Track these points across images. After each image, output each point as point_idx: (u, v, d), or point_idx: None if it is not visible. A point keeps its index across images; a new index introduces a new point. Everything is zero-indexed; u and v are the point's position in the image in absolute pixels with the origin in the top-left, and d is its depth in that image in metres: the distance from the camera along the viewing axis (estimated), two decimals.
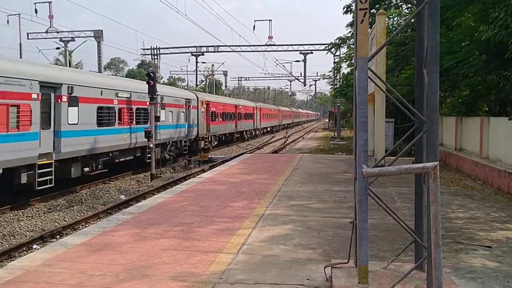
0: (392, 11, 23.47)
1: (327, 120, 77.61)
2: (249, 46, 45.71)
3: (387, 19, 19.77)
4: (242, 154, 27.79)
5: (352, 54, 32.94)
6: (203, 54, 47.89)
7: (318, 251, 7.02)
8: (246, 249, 7.10)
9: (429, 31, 4.79)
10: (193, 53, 47.94)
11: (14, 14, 38.08)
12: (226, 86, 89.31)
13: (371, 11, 19.52)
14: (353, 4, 25.00)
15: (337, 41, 35.29)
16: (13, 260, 8.98)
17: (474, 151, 16.24)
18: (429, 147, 4.82)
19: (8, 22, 40.81)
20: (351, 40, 31.52)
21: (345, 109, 59.64)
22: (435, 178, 4.08)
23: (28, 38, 40.87)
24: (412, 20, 5.92)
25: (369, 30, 7.81)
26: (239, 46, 45.52)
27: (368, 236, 4.95)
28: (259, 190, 12.42)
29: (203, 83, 69.87)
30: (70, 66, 39.12)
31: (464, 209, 10.19)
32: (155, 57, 47.11)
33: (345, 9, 26.87)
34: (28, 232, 11.64)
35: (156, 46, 46.71)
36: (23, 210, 14.00)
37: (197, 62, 50.99)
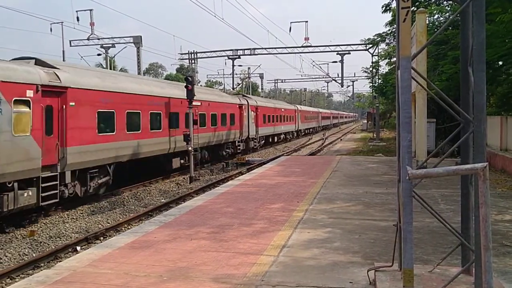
0: (433, 7, 22.83)
1: (365, 121, 76.67)
2: (285, 48, 45.51)
3: (427, 17, 19.28)
4: (279, 156, 27.73)
5: (391, 52, 32.38)
6: (239, 57, 47.95)
7: (360, 254, 6.93)
8: (286, 252, 7.09)
9: (474, 28, 4.63)
10: (230, 57, 48.13)
11: (57, 22, 39.23)
12: (262, 89, 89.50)
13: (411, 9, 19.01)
14: (393, 3, 24.51)
15: (376, 37, 34.66)
16: (60, 261, 9.29)
17: None
18: (476, 148, 4.66)
19: (51, 30, 42.33)
20: (390, 37, 30.90)
21: (384, 109, 58.65)
22: (484, 180, 3.95)
23: (70, 45, 42.14)
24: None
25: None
26: (275, 48, 45.37)
27: (413, 239, 4.85)
28: (298, 193, 12.37)
29: (239, 86, 70.15)
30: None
31: (510, 211, 9.84)
32: (193, 61, 47.53)
33: (383, 8, 26.37)
34: (73, 234, 11.98)
35: (194, 51, 47.01)
36: (68, 212, 14.43)
37: (233, 65, 51.32)
